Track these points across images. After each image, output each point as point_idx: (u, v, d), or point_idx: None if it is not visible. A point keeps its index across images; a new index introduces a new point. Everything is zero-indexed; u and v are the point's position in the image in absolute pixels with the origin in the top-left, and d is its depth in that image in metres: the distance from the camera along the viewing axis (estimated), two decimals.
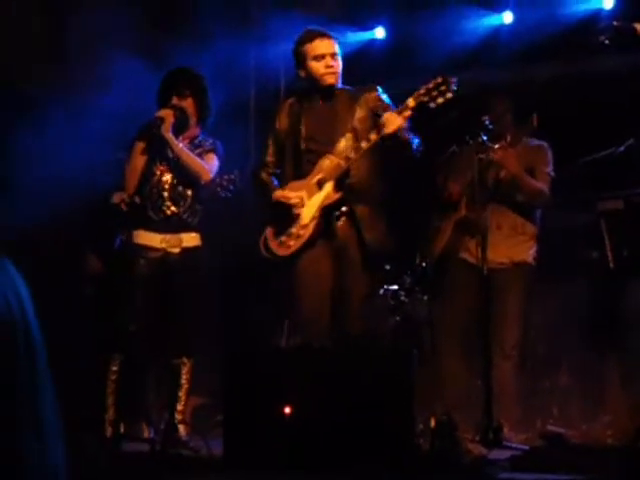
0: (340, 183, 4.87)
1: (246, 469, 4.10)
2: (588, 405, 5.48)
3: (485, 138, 5.04)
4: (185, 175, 5.14)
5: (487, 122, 4.99)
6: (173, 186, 5.15)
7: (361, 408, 4.02)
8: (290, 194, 4.95)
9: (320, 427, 4.01)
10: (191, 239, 5.17)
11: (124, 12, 6.02)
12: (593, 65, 5.46)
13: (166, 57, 5.87)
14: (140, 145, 5.17)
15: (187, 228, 5.16)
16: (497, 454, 4.44)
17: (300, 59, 4.99)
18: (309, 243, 4.91)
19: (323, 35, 4.96)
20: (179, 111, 5.15)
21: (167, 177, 5.17)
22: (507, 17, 6.50)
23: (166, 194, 5.15)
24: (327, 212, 4.90)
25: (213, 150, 5.28)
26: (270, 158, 5.13)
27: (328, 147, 4.92)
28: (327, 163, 4.90)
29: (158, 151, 5.16)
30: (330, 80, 4.94)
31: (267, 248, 4.99)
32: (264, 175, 5.12)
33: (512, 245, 5.28)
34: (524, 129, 5.17)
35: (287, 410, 4.06)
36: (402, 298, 6.52)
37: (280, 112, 5.13)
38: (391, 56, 6.64)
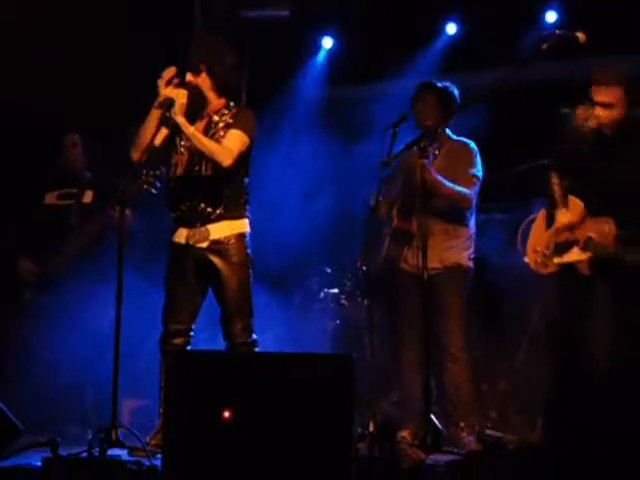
0: None
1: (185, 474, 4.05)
2: (526, 410, 5.52)
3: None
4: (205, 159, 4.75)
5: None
6: (189, 174, 4.79)
7: (301, 413, 4.00)
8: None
9: (259, 432, 3.99)
10: (221, 229, 4.81)
11: None
12: (532, 73, 5.51)
13: None
14: (156, 113, 4.72)
15: (214, 219, 4.79)
16: (435, 459, 4.46)
17: None
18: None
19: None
20: (193, 89, 4.74)
21: (181, 169, 4.81)
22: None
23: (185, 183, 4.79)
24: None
25: (234, 124, 4.82)
26: None
27: None
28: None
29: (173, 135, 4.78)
30: None
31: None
32: None
33: (444, 249, 5.27)
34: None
35: (226, 415, 4.03)
36: (342, 302, 6.55)
37: None
38: None
